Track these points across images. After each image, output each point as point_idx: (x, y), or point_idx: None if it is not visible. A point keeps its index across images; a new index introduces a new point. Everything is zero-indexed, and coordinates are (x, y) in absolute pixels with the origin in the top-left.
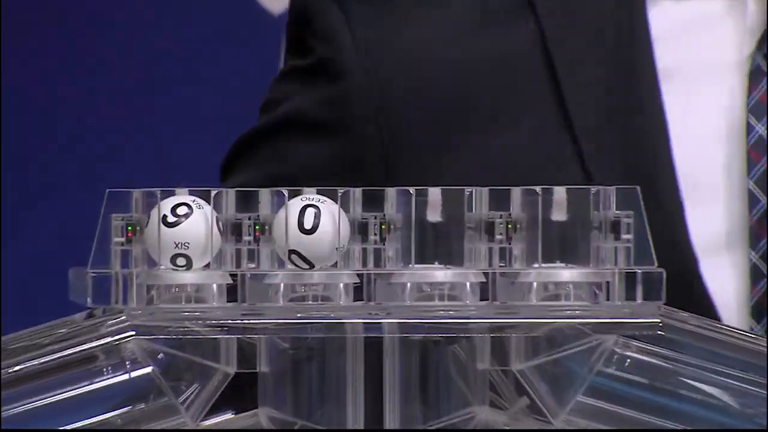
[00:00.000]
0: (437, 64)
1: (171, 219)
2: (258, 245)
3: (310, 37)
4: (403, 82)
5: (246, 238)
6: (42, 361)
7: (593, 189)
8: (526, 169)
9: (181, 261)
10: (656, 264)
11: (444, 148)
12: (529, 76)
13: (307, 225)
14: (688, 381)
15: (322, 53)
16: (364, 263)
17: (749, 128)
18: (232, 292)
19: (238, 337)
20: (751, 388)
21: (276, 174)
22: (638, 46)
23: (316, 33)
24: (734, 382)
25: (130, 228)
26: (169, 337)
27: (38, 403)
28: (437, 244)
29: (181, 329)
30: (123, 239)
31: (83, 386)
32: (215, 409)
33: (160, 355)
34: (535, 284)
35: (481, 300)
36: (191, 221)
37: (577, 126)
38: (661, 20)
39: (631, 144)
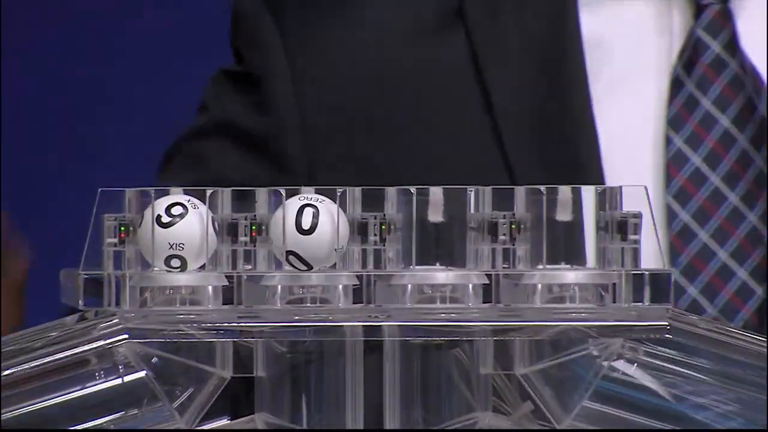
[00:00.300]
0: (366, 73)
1: (165, 219)
2: (254, 246)
3: (241, 44)
4: (330, 91)
5: (242, 238)
6: (33, 364)
7: (599, 188)
8: (452, 178)
9: (175, 262)
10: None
11: (367, 158)
12: (458, 85)
13: (305, 225)
14: (697, 385)
15: (249, 60)
16: (364, 264)
17: (668, 140)
18: (227, 294)
19: (234, 341)
20: (760, 392)
21: (196, 181)
22: (568, 53)
23: (246, 40)
24: (744, 387)
25: (123, 228)
26: (163, 340)
27: (29, 408)
28: (439, 244)
29: (176, 332)
30: (116, 240)
31: (75, 391)
32: (211, 415)
33: (154, 359)
34: (539, 286)
35: (483, 302)
36: (186, 221)
37: (504, 134)
38: (591, 25)
39: (559, 153)
